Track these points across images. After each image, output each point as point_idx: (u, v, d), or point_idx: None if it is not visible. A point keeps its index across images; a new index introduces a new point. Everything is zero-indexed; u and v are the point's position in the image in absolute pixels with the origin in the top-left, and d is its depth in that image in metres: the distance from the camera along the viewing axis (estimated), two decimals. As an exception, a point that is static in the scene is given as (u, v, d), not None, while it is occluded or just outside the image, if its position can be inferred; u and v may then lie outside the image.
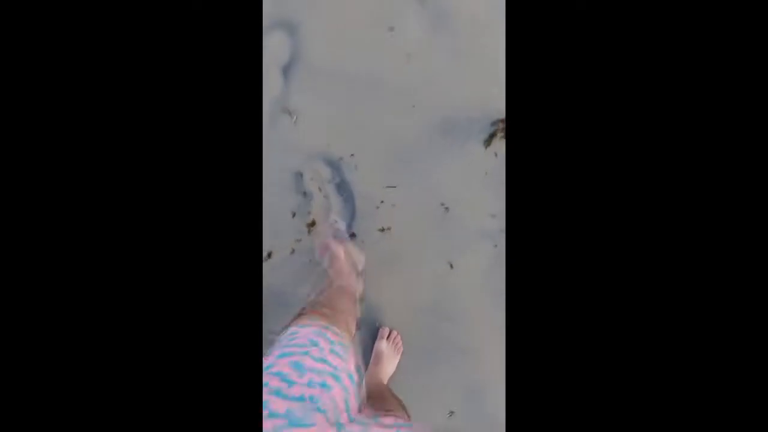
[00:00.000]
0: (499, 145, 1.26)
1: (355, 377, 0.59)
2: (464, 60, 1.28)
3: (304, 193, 1.25)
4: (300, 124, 1.27)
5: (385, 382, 1.17)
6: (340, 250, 1.11)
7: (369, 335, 1.23)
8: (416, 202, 1.26)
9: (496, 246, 1.24)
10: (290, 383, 0.51)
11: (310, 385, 0.52)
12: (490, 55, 1.26)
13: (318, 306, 0.77)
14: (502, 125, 1.26)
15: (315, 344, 0.58)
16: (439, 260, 1.25)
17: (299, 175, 1.26)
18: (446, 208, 1.25)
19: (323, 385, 0.53)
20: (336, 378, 0.55)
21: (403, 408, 0.91)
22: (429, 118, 1.27)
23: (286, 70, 1.28)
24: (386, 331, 1.21)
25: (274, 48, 1.27)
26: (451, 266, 1.24)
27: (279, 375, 0.52)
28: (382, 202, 1.25)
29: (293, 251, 1.25)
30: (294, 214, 1.25)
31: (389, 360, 1.18)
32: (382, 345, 1.19)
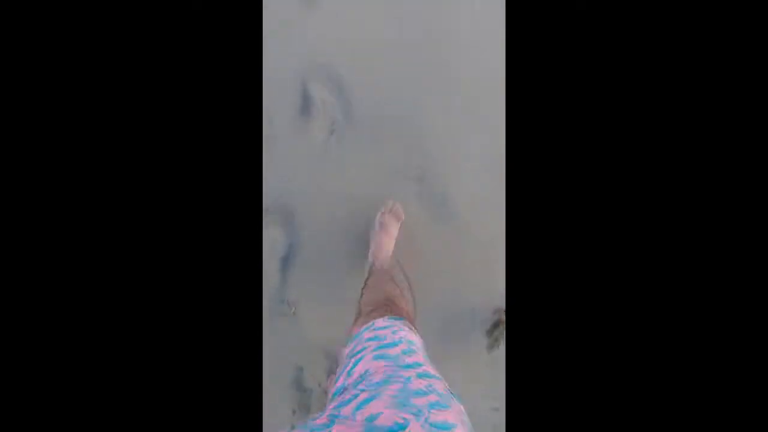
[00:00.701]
0: (502, 335, 1.24)
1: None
2: (465, 245, 1.25)
3: (305, 390, 1.24)
4: (298, 316, 1.25)
5: (391, 252, 1.20)
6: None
7: None
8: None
9: (498, 439, 1.23)
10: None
11: None
12: (491, 239, 1.24)
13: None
14: (503, 315, 1.24)
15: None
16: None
17: (300, 369, 1.24)
18: (449, 401, 1.24)
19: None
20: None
21: (409, 285, 0.96)
22: (429, 308, 1.25)
23: (284, 263, 1.25)
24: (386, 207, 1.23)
25: (271, 241, 1.25)
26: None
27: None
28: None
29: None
30: (294, 412, 1.24)
31: (391, 226, 1.21)
32: (384, 217, 1.21)
